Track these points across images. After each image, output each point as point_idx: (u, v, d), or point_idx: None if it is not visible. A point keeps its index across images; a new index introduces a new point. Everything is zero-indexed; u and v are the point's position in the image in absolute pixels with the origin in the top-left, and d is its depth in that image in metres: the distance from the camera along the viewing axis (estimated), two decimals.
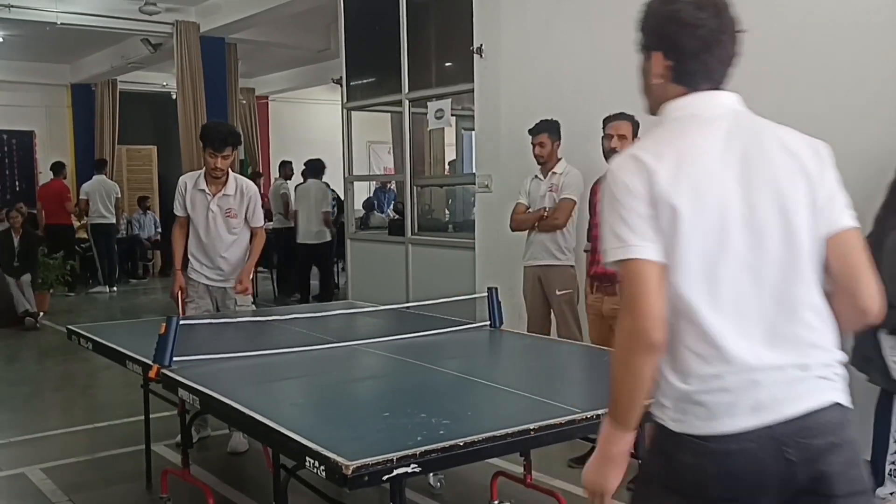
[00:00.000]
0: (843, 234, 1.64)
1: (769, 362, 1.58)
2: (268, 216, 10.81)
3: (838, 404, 1.61)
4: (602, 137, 4.39)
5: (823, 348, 1.62)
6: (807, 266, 1.61)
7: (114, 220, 11.82)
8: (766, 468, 1.55)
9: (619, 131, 4.29)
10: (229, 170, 4.76)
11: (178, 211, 4.82)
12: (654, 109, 1.77)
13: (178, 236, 4.86)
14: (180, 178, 4.92)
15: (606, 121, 4.38)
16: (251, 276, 4.86)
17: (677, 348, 1.60)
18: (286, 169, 10.73)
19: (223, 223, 4.74)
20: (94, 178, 11.77)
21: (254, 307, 5.10)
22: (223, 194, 4.71)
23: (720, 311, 1.57)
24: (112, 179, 12.47)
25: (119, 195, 11.92)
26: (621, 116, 4.33)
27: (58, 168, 11.97)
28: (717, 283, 1.57)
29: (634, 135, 4.30)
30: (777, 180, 1.60)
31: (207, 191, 4.72)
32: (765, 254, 1.59)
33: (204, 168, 4.74)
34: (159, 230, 13.32)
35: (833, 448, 1.57)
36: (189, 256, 4.83)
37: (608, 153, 4.31)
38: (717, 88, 1.68)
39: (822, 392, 1.59)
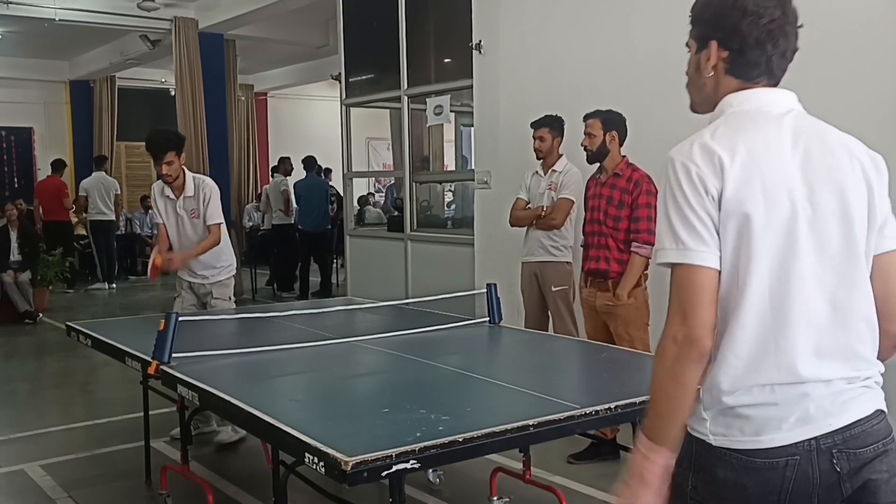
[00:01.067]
0: (890, 256, 1.59)
1: (820, 375, 1.52)
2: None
3: (881, 411, 1.57)
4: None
5: (869, 361, 1.57)
6: (864, 275, 1.56)
7: (113, 217, 11.81)
8: (811, 481, 1.50)
9: (589, 129, 4.36)
10: (185, 170, 4.85)
11: (156, 219, 5.00)
12: (700, 105, 1.69)
13: (161, 242, 4.98)
14: (153, 185, 5.04)
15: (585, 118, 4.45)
16: (181, 261, 4.84)
17: (725, 357, 1.52)
18: (285, 165, 10.74)
19: (190, 225, 4.86)
20: (94, 174, 11.77)
21: (233, 306, 5.14)
22: (184, 196, 4.84)
23: (782, 319, 1.51)
24: (111, 176, 12.48)
25: (118, 192, 11.91)
26: (589, 115, 4.40)
27: (57, 165, 11.94)
28: (783, 289, 1.51)
29: (605, 130, 4.33)
30: (841, 184, 1.54)
31: (171, 196, 4.85)
32: (827, 259, 1.53)
33: None
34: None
35: (879, 455, 1.53)
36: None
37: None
38: (775, 85, 1.62)
39: (866, 401, 1.55)
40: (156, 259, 4.88)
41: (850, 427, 1.51)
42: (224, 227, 4.97)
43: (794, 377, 1.51)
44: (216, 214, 4.83)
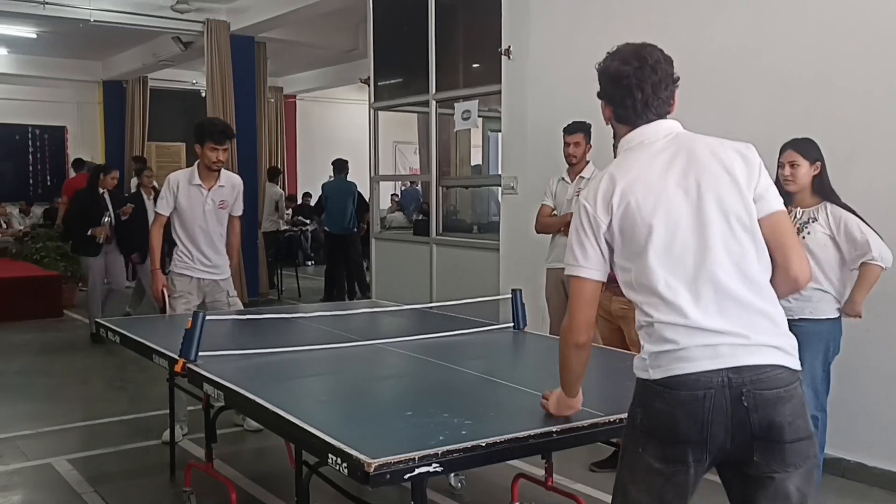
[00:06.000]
0: (775, 216, 2.02)
1: (726, 325, 1.94)
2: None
3: (786, 367, 1.95)
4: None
5: (772, 318, 1.98)
6: (750, 244, 1.99)
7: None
8: (725, 412, 1.90)
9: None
10: None
11: (163, 209, 4.83)
12: (615, 146, 2.20)
13: (158, 236, 4.90)
14: (169, 175, 4.94)
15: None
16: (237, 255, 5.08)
17: (652, 324, 1.99)
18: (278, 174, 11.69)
19: (215, 215, 4.85)
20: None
21: (241, 306, 5.14)
22: (218, 186, 4.83)
23: (675, 285, 1.97)
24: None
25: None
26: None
27: (78, 164, 12.04)
28: (672, 263, 1.97)
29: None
30: (711, 178, 2.00)
31: (202, 185, 4.80)
32: (707, 240, 1.97)
33: (197, 164, 4.84)
34: None
35: (781, 400, 1.91)
36: (177, 253, 4.86)
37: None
38: (662, 116, 2.10)
39: (770, 355, 1.94)
40: (161, 292, 4.82)
41: (756, 369, 1.91)
42: None
43: (704, 327, 1.95)
44: (241, 206, 5.01)
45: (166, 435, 4.49)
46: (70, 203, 8.99)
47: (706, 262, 1.96)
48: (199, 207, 4.80)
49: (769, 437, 1.91)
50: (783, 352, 1.96)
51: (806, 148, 3.64)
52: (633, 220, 2.01)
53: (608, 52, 2.17)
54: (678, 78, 2.13)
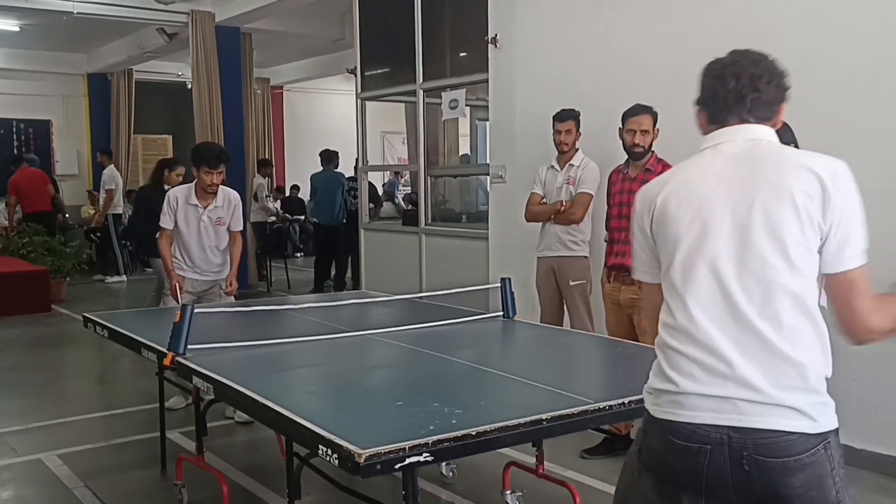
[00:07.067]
0: (839, 277, 1.71)
1: (738, 374, 1.70)
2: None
3: (801, 433, 1.67)
4: (622, 132, 4.36)
5: (798, 366, 1.69)
6: (791, 283, 1.70)
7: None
8: (724, 471, 1.70)
9: (641, 126, 4.27)
10: None
11: (166, 224, 5.15)
12: None
13: (167, 246, 5.19)
14: (169, 192, 5.27)
15: (627, 115, 4.34)
16: (236, 276, 5.30)
17: (662, 349, 1.82)
18: (265, 167, 11.59)
19: (213, 231, 5.16)
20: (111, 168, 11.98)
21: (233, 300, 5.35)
22: (213, 206, 5.10)
23: (692, 314, 1.76)
24: (127, 168, 12.56)
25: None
26: (640, 110, 4.30)
27: (17, 160, 11.84)
28: (698, 294, 1.76)
29: (654, 126, 4.29)
30: (769, 200, 1.71)
31: (198, 204, 5.08)
32: (745, 265, 1.72)
33: (194, 183, 5.12)
34: None
35: (788, 470, 1.65)
36: (175, 255, 5.20)
37: (630, 149, 4.31)
38: (751, 122, 1.84)
39: (783, 418, 1.67)
40: (175, 288, 5.08)
41: (763, 434, 1.67)
42: None
43: (711, 368, 1.73)
44: (240, 222, 5.27)
45: (172, 401, 4.75)
46: (135, 200, 8.61)
47: (734, 297, 1.72)
48: (194, 224, 5.12)
49: None
50: (802, 414, 1.67)
51: (779, 133, 3.64)
52: (667, 227, 1.83)
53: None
54: (789, 87, 1.86)
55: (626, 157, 4.40)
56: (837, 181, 1.69)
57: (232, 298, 5.28)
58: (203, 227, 5.11)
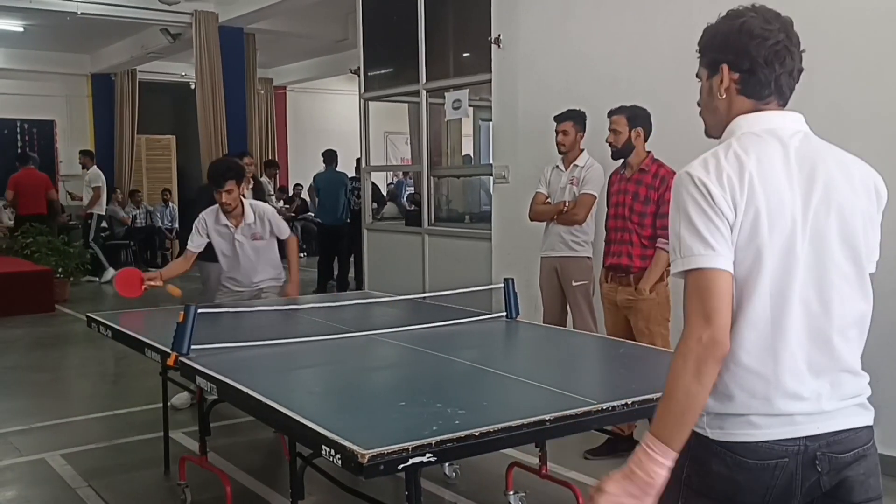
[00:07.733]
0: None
1: (812, 388, 1.62)
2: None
3: (866, 426, 1.69)
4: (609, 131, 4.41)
5: (857, 373, 1.68)
6: (861, 291, 1.66)
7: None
8: (794, 479, 1.62)
9: (614, 126, 4.34)
10: (241, 199, 4.91)
11: (193, 247, 4.95)
12: (714, 129, 1.76)
13: (181, 263, 5.06)
14: (200, 214, 5.03)
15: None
16: (297, 285, 5.11)
17: (727, 364, 1.61)
18: (271, 169, 11.57)
19: (251, 248, 4.95)
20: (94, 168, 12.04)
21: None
22: (245, 224, 4.91)
23: (780, 333, 1.60)
24: (131, 169, 12.57)
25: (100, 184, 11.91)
26: (612, 112, 4.38)
27: (23, 158, 11.73)
28: (781, 304, 1.60)
29: (631, 127, 4.31)
30: (841, 206, 1.62)
31: (229, 225, 4.90)
32: (824, 279, 1.62)
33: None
34: (176, 222, 13.44)
35: (858, 459, 1.65)
36: (222, 284, 5.08)
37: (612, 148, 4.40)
38: (784, 105, 1.69)
39: (852, 415, 1.67)
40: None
41: (836, 434, 1.63)
42: None
43: (788, 390, 1.61)
44: (285, 228, 5.09)
45: (177, 398, 4.77)
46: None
47: (814, 313, 1.61)
48: (229, 245, 4.95)
49: (835, 496, 1.65)
50: (864, 408, 1.69)
51: None
52: (754, 230, 1.58)
53: (729, 11, 1.72)
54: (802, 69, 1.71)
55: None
56: (883, 188, 1.70)
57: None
58: (238, 246, 4.92)
